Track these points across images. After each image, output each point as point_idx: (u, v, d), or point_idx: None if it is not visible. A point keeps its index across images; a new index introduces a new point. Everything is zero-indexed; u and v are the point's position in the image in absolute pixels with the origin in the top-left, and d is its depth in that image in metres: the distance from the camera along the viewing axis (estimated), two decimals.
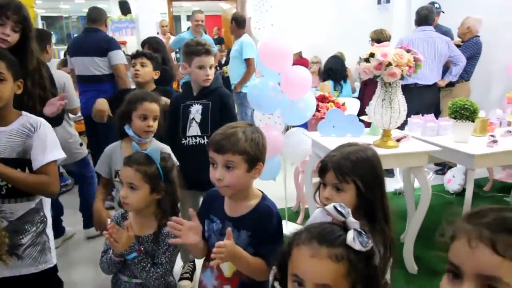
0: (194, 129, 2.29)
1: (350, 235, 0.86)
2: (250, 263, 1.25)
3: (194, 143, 2.28)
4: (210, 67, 2.23)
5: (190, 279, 2.53)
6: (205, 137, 2.27)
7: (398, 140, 2.45)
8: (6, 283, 1.57)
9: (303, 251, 0.88)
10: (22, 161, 1.52)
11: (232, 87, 4.64)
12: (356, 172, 1.20)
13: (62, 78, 2.87)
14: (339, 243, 0.87)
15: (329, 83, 4.62)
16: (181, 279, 2.49)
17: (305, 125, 3.28)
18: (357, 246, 0.85)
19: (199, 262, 1.89)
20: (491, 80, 4.66)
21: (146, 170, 1.40)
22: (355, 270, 0.85)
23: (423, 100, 3.97)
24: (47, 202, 1.67)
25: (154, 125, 1.88)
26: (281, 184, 3.14)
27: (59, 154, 1.61)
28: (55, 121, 1.99)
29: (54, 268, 1.70)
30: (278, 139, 3.00)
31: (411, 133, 2.69)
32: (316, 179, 1.39)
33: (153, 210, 1.45)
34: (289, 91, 2.71)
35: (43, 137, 1.55)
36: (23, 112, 1.58)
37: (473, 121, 2.41)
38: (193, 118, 2.30)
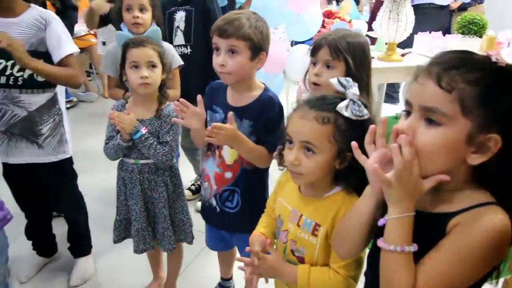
0: (179, 38, 2.23)
1: (344, 102, 0.91)
2: (252, 149, 1.30)
3: (179, 53, 2.21)
4: None
5: (194, 192, 2.62)
6: (188, 47, 2.22)
7: (402, 55, 2.44)
8: (29, 168, 1.71)
9: (295, 113, 0.96)
10: (36, 53, 1.55)
11: (238, 5, 4.48)
12: (349, 51, 1.21)
13: None
14: (328, 108, 0.92)
15: (350, 2, 4.37)
16: (187, 189, 2.57)
17: (310, 42, 3.23)
18: (347, 113, 0.90)
19: None
20: (507, 2, 4.46)
21: (159, 49, 1.42)
22: (341, 136, 0.90)
23: (436, 22, 3.84)
24: (61, 97, 1.74)
25: (143, 16, 1.83)
26: (283, 101, 3.16)
27: (74, 48, 1.65)
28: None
29: (70, 159, 1.81)
30: (282, 55, 2.98)
31: (417, 51, 2.66)
32: None
33: (156, 92, 1.48)
34: (296, 2, 2.63)
35: (56, 30, 1.59)
36: (31, 4, 1.58)
37: (480, 36, 2.37)
38: (177, 26, 2.23)
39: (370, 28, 3.61)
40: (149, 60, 1.40)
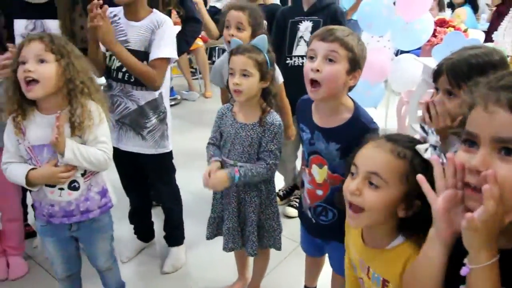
0: (301, 48, 2.18)
1: (424, 145, 0.86)
2: None
3: (300, 64, 2.18)
4: None
5: (282, 197, 2.60)
6: None
7: None
8: (134, 157, 1.86)
9: (370, 144, 0.92)
10: (146, 54, 1.68)
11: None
12: (472, 77, 1.04)
13: None
14: (407, 145, 0.87)
15: (465, 9, 4.04)
16: (289, 205, 2.54)
17: (417, 53, 3.05)
18: (426, 155, 0.83)
19: None
20: None
21: (257, 58, 1.44)
22: (414, 177, 0.78)
23: None
24: (166, 96, 1.86)
25: (238, 34, 1.81)
26: (382, 112, 3.03)
27: (172, 54, 1.71)
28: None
29: (170, 154, 1.94)
30: (385, 64, 2.86)
31: None
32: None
33: (257, 99, 1.51)
34: (406, 9, 2.50)
35: (162, 33, 1.68)
36: (154, 10, 1.72)
37: None
38: (301, 36, 2.19)
39: (488, 39, 3.29)
40: (242, 68, 1.43)
